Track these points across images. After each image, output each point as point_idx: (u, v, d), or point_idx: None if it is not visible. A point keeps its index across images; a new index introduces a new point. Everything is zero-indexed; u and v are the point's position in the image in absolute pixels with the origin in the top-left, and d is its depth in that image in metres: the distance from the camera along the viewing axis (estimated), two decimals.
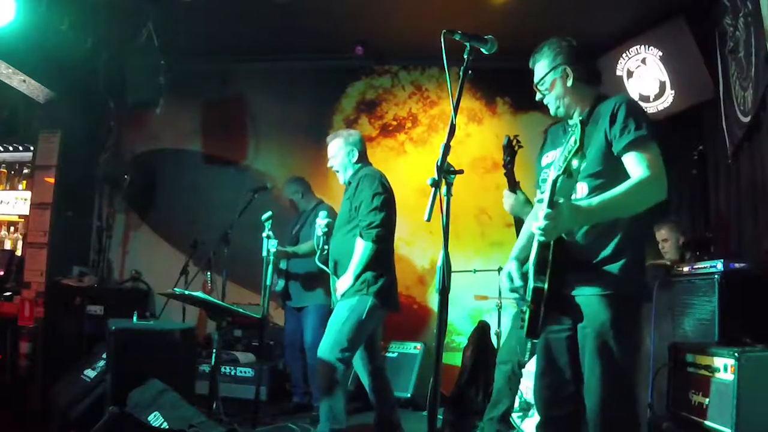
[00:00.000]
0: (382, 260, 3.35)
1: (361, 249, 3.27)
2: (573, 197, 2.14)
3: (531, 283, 2.10)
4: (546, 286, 2.05)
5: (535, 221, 2.02)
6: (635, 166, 2.07)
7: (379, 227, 3.28)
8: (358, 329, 3.22)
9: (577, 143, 1.85)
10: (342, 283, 3.31)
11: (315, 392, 4.38)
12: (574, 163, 1.90)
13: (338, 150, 3.55)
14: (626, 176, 2.08)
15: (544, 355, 2.24)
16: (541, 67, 2.29)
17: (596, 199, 2.06)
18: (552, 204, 1.98)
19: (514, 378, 3.35)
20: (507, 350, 3.46)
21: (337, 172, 3.57)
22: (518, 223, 3.34)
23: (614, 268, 2.11)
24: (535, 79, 2.31)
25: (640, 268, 2.22)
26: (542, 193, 2.33)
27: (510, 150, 3.37)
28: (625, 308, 2.10)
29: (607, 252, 2.12)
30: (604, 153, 2.12)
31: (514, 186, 3.31)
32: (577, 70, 2.25)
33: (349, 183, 3.51)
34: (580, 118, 1.97)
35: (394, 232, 3.51)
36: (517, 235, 3.22)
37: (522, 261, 2.28)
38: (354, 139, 3.60)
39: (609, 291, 2.09)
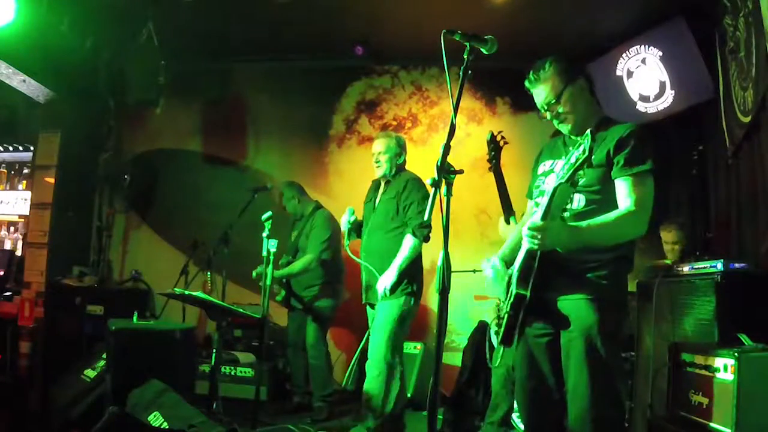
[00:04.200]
0: (420, 261, 3.59)
1: (410, 245, 3.48)
2: (569, 207, 2.16)
3: (513, 289, 2.12)
4: (528, 294, 2.08)
5: (526, 227, 2.05)
6: (624, 196, 2.10)
7: (429, 227, 3.44)
8: (407, 327, 3.49)
9: (586, 153, 1.86)
10: (386, 279, 3.47)
11: (316, 391, 4.39)
12: (580, 173, 1.92)
13: (390, 148, 3.73)
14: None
15: (525, 361, 2.24)
16: (552, 84, 2.20)
17: (584, 223, 2.09)
18: (546, 214, 2.02)
19: (510, 380, 3.35)
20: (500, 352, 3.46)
21: (378, 166, 3.72)
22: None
23: (600, 274, 2.13)
24: (547, 98, 2.22)
25: (625, 275, 2.24)
26: (536, 199, 2.33)
27: (494, 145, 3.40)
28: (611, 313, 2.12)
29: (593, 258, 2.13)
30: (603, 172, 2.15)
31: (508, 209, 3.47)
32: (588, 82, 2.26)
33: (388, 182, 3.72)
34: (590, 129, 1.96)
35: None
36: None
37: (507, 263, 2.30)
38: (403, 143, 3.82)
39: (595, 295, 2.10)
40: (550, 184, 2.10)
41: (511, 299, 2.12)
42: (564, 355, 2.13)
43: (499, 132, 3.51)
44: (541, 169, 2.37)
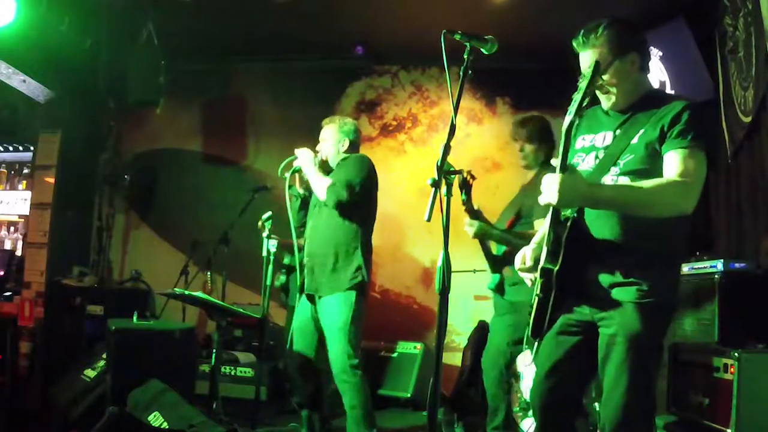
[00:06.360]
0: (371, 252, 3.30)
1: (325, 184, 3.18)
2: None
3: (541, 264, 1.95)
4: (556, 268, 1.90)
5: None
6: (672, 167, 1.89)
7: (357, 191, 3.16)
8: (359, 327, 3.19)
9: (588, 78, 1.81)
10: (302, 154, 3.26)
11: None
12: (585, 103, 1.85)
13: (329, 136, 3.41)
14: None
15: (551, 356, 2.08)
16: (600, 53, 2.01)
17: (611, 186, 1.94)
18: (564, 166, 1.86)
19: (504, 380, 3.34)
20: (490, 355, 3.43)
21: (321, 156, 3.40)
22: (485, 249, 3.40)
23: (655, 272, 1.93)
24: (592, 67, 1.96)
25: (679, 273, 2.07)
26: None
27: (466, 187, 3.37)
28: (660, 319, 1.96)
29: (642, 248, 1.94)
30: (654, 151, 1.95)
31: (474, 214, 3.34)
32: (641, 57, 2.07)
33: (339, 165, 3.39)
34: (598, 60, 1.91)
35: (373, 222, 3.40)
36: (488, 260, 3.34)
37: (537, 257, 2.08)
38: (347, 128, 3.44)
39: (647, 300, 1.91)
40: (588, 162, 2.02)
41: (541, 279, 1.95)
42: (602, 354, 1.96)
43: (468, 171, 3.47)
44: (579, 143, 2.15)
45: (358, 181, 3.21)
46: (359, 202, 3.22)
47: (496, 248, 3.42)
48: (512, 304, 3.31)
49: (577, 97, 1.87)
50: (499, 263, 3.37)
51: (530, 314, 2.01)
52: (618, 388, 1.92)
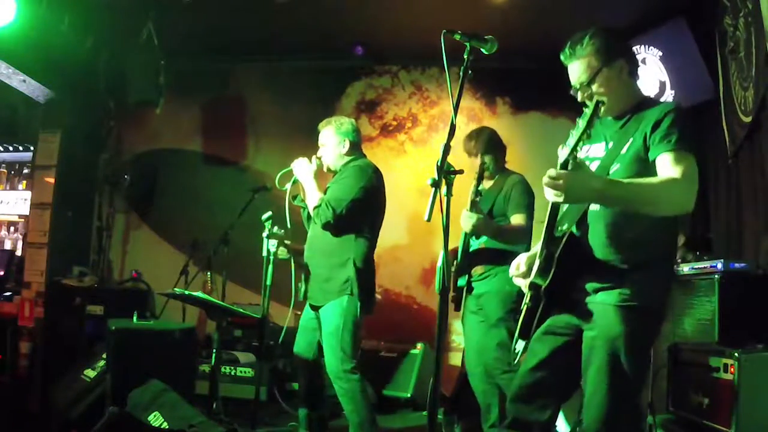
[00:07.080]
0: (369, 262, 3.25)
1: (314, 202, 3.18)
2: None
3: (531, 277, 1.99)
4: (546, 283, 1.93)
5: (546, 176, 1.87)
6: (668, 168, 1.88)
7: (344, 213, 3.12)
8: (356, 333, 3.15)
9: (585, 123, 1.81)
10: (298, 166, 3.27)
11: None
12: (580, 146, 1.85)
13: (328, 140, 3.37)
14: None
15: (537, 353, 2.09)
16: (588, 63, 2.02)
17: (620, 181, 1.90)
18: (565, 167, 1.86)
19: (491, 376, 3.34)
20: (471, 354, 3.42)
21: (324, 161, 3.37)
22: (465, 245, 3.39)
23: (639, 276, 1.92)
24: (580, 78, 2.03)
25: (668, 278, 2.06)
26: None
27: (481, 177, 3.36)
28: (644, 323, 1.94)
29: (632, 256, 1.94)
30: (640, 158, 1.95)
31: (476, 206, 3.33)
32: (629, 63, 2.06)
33: (338, 172, 3.36)
34: (599, 100, 1.93)
35: (378, 232, 3.36)
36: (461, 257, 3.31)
37: (531, 264, 2.11)
38: (345, 129, 3.38)
39: (628, 303, 1.91)
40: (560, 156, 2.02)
41: (530, 291, 2.00)
42: (584, 358, 1.97)
43: (482, 163, 3.47)
44: (580, 155, 2.10)
45: (350, 198, 3.16)
46: (352, 218, 3.17)
47: (470, 246, 3.42)
48: (478, 297, 3.33)
49: (575, 134, 1.87)
50: (471, 261, 3.38)
51: (519, 320, 2.06)
52: (599, 392, 1.92)
